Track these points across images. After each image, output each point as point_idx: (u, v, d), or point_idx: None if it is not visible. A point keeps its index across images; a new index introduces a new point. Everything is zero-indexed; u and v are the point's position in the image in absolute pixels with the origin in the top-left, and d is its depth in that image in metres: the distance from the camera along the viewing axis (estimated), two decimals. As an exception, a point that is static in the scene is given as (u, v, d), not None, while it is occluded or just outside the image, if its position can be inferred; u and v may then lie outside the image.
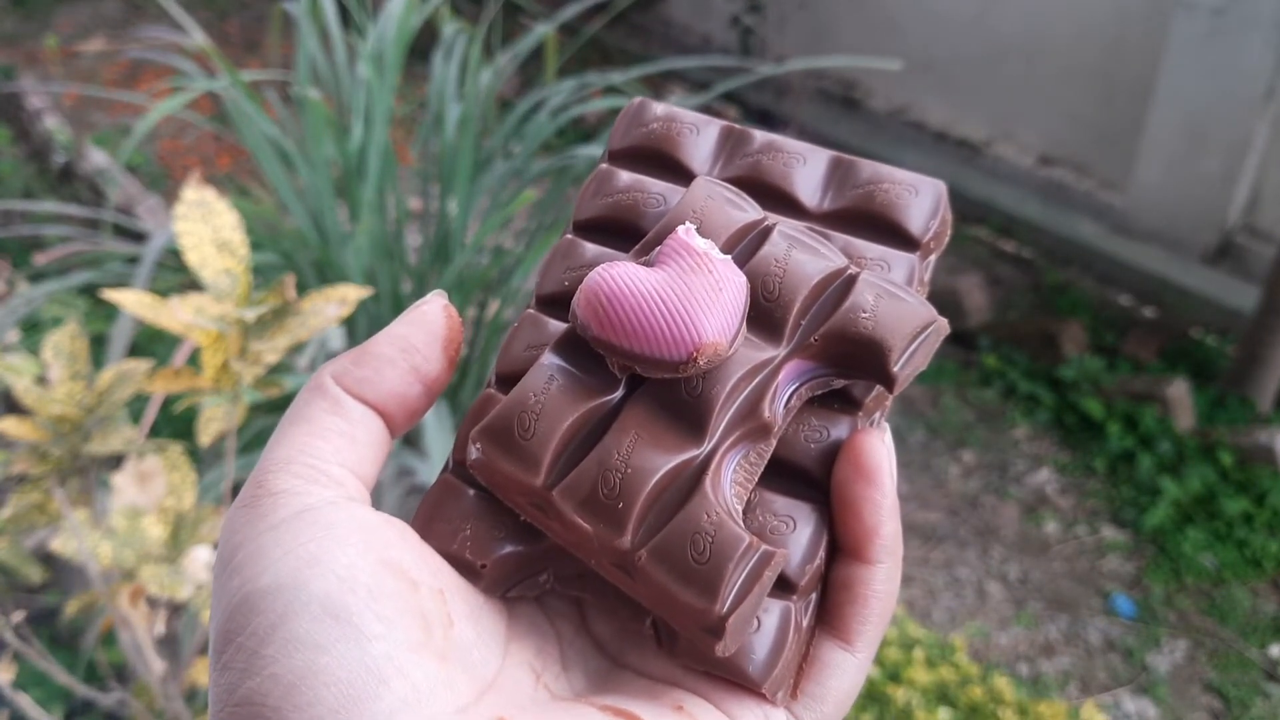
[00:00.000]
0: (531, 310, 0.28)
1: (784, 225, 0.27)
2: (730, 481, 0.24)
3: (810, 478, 0.26)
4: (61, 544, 0.77)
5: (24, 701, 0.83)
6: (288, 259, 1.38)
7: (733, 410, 0.24)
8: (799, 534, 0.25)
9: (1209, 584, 1.73)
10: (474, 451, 0.25)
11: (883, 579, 0.25)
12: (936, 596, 1.70)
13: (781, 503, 0.25)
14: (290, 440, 0.24)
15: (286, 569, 0.21)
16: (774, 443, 0.25)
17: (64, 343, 0.78)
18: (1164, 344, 2.14)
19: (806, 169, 0.29)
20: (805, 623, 0.25)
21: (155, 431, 0.98)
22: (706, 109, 2.34)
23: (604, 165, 0.30)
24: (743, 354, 0.25)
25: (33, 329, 1.71)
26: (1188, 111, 2.17)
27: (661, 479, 0.23)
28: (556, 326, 0.27)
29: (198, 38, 1.45)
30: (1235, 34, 2.06)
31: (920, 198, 0.28)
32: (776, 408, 0.25)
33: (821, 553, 0.25)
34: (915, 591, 1.71)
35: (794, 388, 0.25)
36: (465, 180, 1.42)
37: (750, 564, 0.22)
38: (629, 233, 0.28)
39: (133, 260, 1.34)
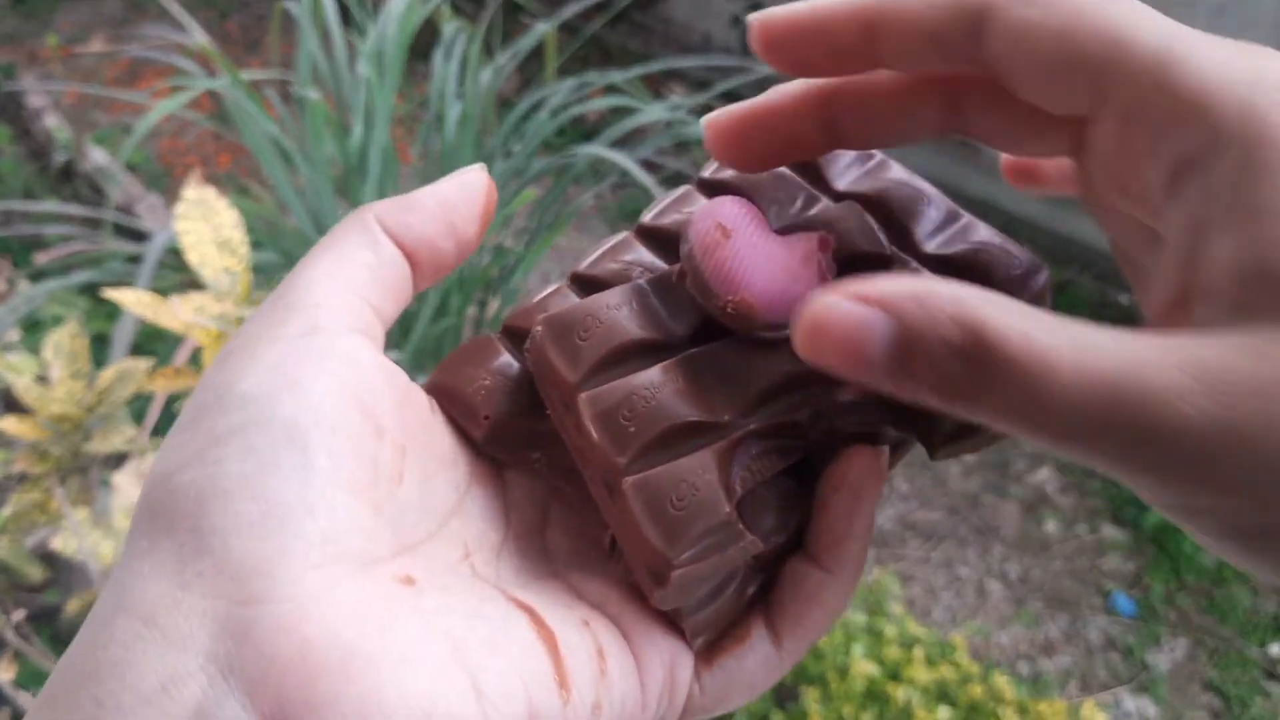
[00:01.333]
0: (631, 235, 0.29)
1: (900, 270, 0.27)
2: (740, 465, 0.24)
3: (808, 464, 0.26)
4: (62, 543, 0.77)
5: (25, 700, 0.83)
6: (288, 258, 1.38)
7: (779, 403, 0.24)
8: (775, 506, 0.25)
9: (1209, 583, 1.73)
10: (535, 333, 0.25)
11: (832, 591, 0.26)
12: (937, 595, 1.70)
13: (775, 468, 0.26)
14: (321, 262, 0.25)
15: (268, 382, 0.22)
16: (799, 455, 0.25)
17: (65, 342, 0.78)
18: (1164, 343, 2.14)
19: (930, 210, 0.28)
20: (748, 591, 0.25)
21: (156, 431, 0.99)
22: (707, 108, 2.34)
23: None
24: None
25: (33, 328, 1.71)
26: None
27: (679, 426, 0.24)
28: (649, 257, 0.28)
29: (198, 37, 1.45)
30: (1236, 34, 2.05)
31: (1022, 273, 0.28)
32: (820, 425, 0.25)
33: (787, 535, 0.25)
34: (915, 590, 1.71)
35: (846, 415, 0.25)
36: (466, 179, 1.42)
37: (721, 534, 0.23)
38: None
39: (133, 259, 1.34)
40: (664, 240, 0.28)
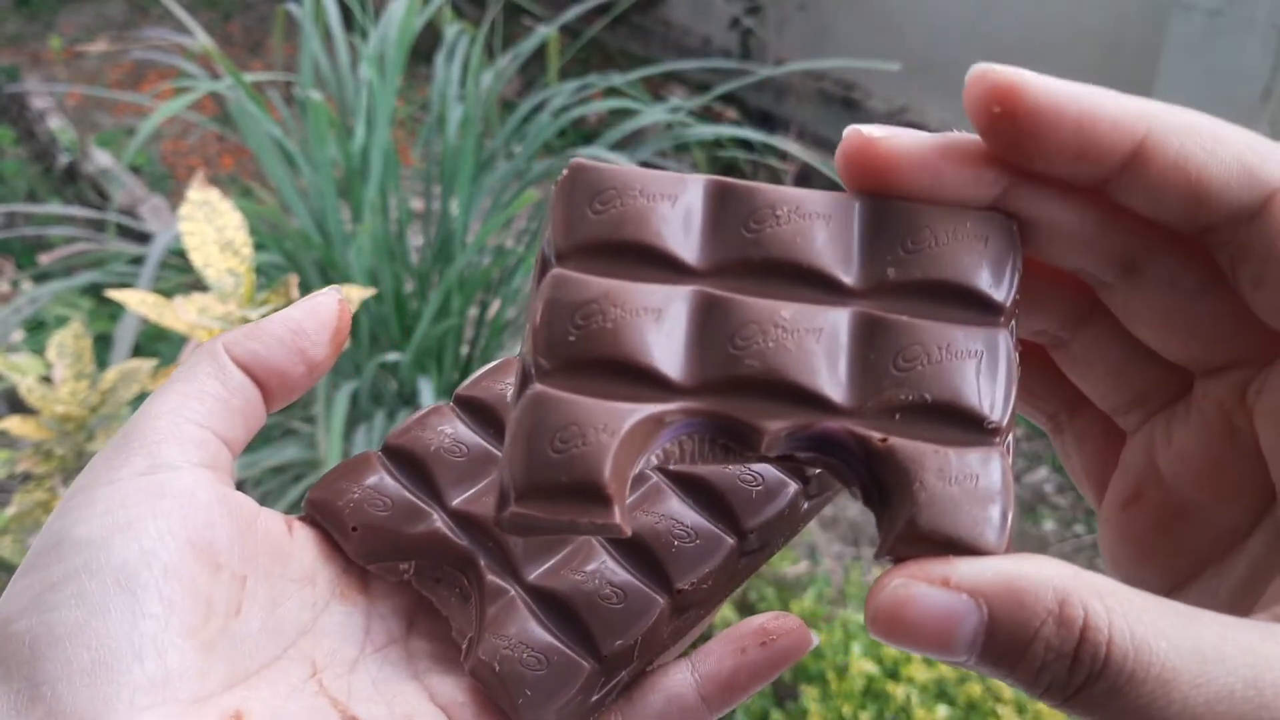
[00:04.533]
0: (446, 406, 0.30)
1: None
2: (669, 438, 0.21)
3: (714, 535, 0.26)
4: (67, 541, 0.78)
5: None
6: (291, 259, 1.39)
7: (755, 400, 0.21)
8: (640, 597, 0.25)
9: (1208, 583, 1.73)
10: (568, 167, 0.23)
11: None
12: (936, 595, 1.71)
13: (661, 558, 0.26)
14: (168, 396, 0.25)
15: (101, 527, 0.22)
16: (743, 460, 0.22)
17: (68, 342, 0.78)
18: (1163, 344, 2.14)
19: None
20: (596, 696, 0.25)
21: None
22: (707, 110, 2.35)
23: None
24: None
25: (37, 329, 1.71)
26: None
27: (621, 362, 0.21)
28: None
29: (201, 39, 1.46)
30: (1233, 35, 2.06)
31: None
32: (785, 446, 0.21)
33: (642, 634, 0.25)
34: (915, 590, 1.71)
35: (823, 454, 0.21)
36: (467, 181, 1.42)
37: (581, 500, 0.20)
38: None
39: (137, 260, 1.35)
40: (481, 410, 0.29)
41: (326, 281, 1.39)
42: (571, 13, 1.63)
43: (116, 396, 0.80)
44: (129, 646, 0.21)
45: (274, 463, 1.30)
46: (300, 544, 0.27)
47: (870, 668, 1.20)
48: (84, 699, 0.20)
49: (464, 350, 1.52)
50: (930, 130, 0.22)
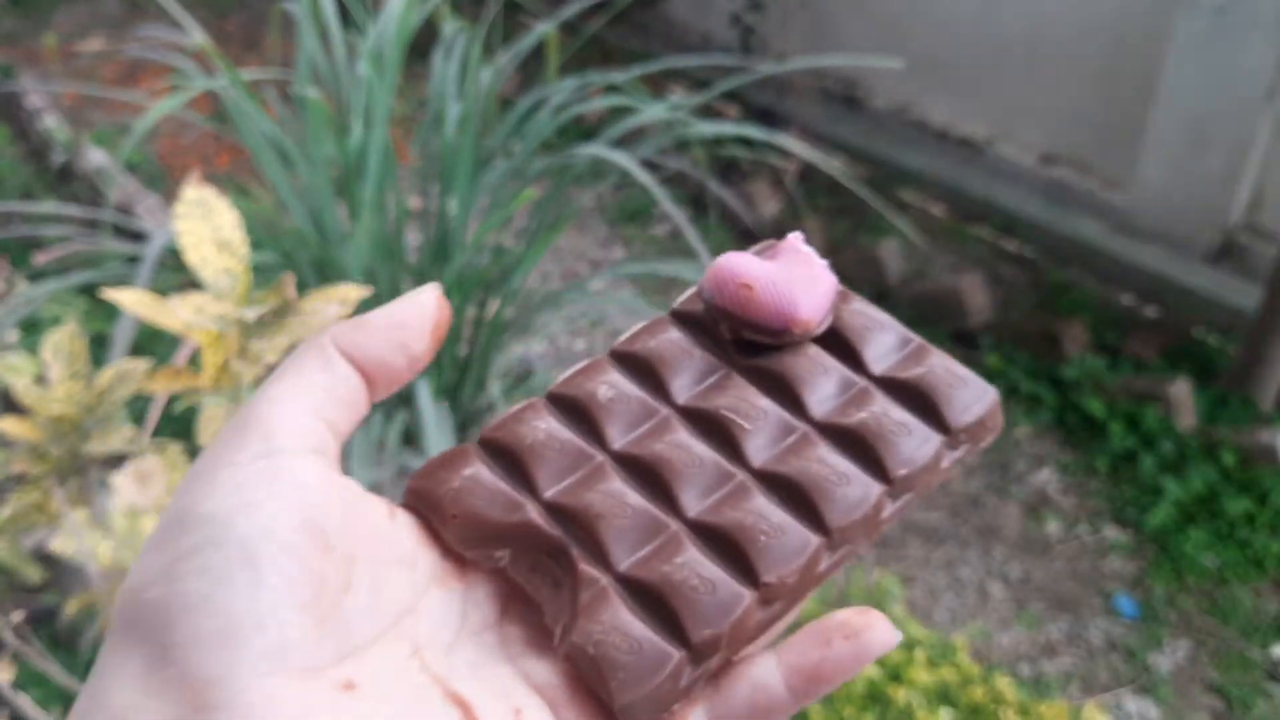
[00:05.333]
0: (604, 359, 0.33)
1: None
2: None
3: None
4: (61, 544, 0.77)
5: (24, 701, 0.83)
6: (288, 258, 1.38)
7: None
8: (728, 589, 0.27)
9: (1211, 584, 1.73)
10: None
11: (785, 712, 0.27)
12: (938, 597, 1.70)
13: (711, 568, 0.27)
14: (280, 385, 0.27)
15: (226, 504, 0.24)
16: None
17: (63, 342, 0.77)
18: (1166, 343, 2.14)
19: (883, 337, 0.31)
20: (685, 682, 0.26)
21: (155, 431, 0.98)
22: (707, 108, 2.34)
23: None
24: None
25: (32, 328, 1.70)
26: (1190, 111, 2.16)
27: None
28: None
29: (197, 36, 1.45)
30: (1237, 33, 2.05)
31: (965, 390, 0.30)
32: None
33: (731, 625, 0.26)
34: (916, 592, 1.70)
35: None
36: (465, 179, 1.41)
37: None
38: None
39: (132, 260, 1.34)
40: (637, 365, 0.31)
41: (323, 281, 1.38)
42: (571, 9, 1.62)
43: (112, 397, 0.78)
44: (251, 617, 0.23)
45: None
46: (401, 529, 0.28)
47: (872, 671, 1.19)
48: (211, 662, 0.22)
49: (462, 350, 1.51)
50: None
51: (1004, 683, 1.20)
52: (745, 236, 2.48)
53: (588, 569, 0.27)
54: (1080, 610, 1.69)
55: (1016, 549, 1.79)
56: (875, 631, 0.26)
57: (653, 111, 1.50)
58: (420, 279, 1.47)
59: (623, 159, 1.37)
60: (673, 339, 0.31)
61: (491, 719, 0.25)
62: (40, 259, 1.65)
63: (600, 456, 0.29)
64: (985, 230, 2.49)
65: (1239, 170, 2.14)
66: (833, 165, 1.49)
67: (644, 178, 1.35)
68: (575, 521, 0.28)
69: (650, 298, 2.25)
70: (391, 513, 0.28)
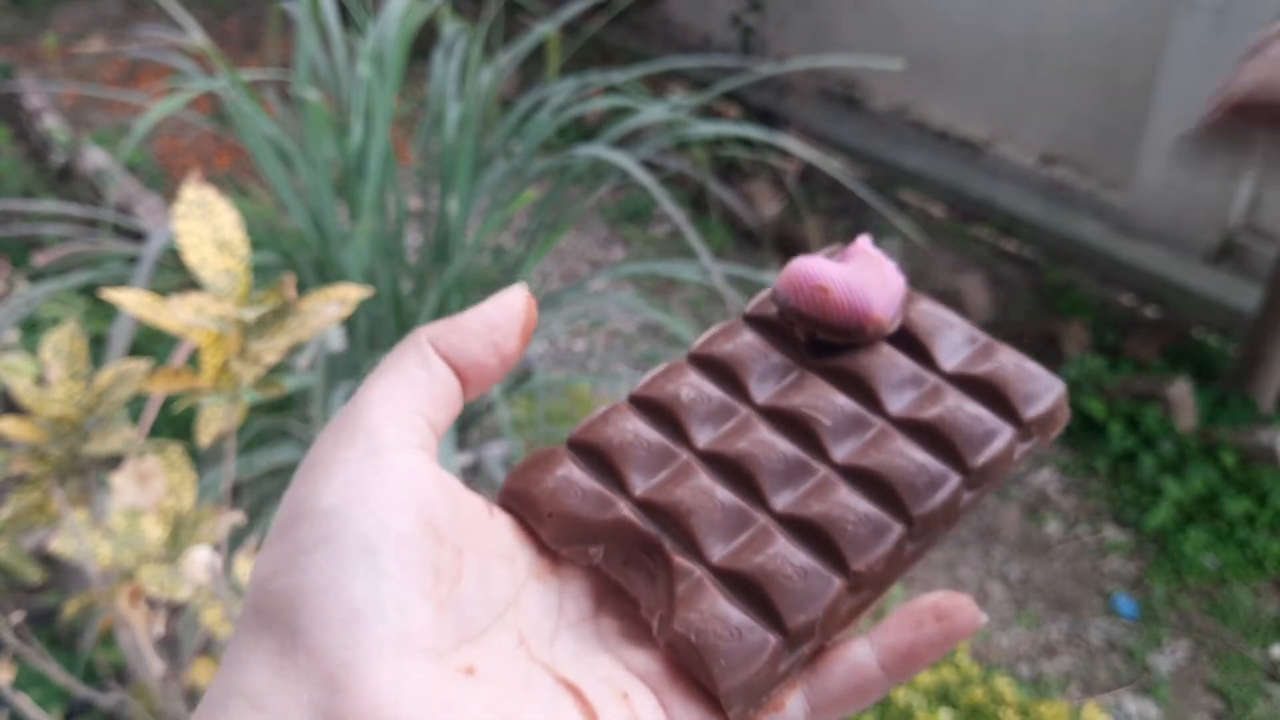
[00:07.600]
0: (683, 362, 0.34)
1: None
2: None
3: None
4: (61, 544, 0.77)
5: (23, 702, 0.83)
6: (287, 259, 1.38)
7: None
8: (819, 577, 0.28)
9: (1211, 584, 1.73)
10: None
11: (881, 690, 0.28)
12: (938, 597, 1.70)
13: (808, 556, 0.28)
14: (383, 384, 0.28)
15: (343, 498, 0.25)
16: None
17: (63, 342, 0.77)
18: (1166, 344, 2.14)
19: (951, 334, 0.33)
20: (781, 667, 0.27)
21: (155, 431, 0.98)
22: (707, 108, 2.34)
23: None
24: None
25: (32, 329, 1.70)
26: (1190, 111, 2.16)
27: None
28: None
29: (197, 37, 1.45)
30: (1237, 33, 2.05)
31: (1035, 383, 0.31)
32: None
33: (824, 610, 0.27)
34: (916, 591, 1.70)
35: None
36: (465, 179, 1.41)
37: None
38: None
39: (132, 260, 1.33)
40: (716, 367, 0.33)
41: (323, 281, 1.37)
42: (571, 10, 1.62)
43: (112, 397, 0.78)
44: (374, 604, 0.24)
45: (270, 465, 1.29)
46: (500, 525, 0.29)
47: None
48: (340, 645, 0.23)
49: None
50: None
51: (1004, 683, 1.20)
52: (745, 237, 2.48)
53: (682, 561, 0.28)
54: (1080, 610, 1.69)
55: (1016, 549, 1.79)
56: (964, 614, 0.27)
57: (652, 112, 1.50)
58: (420, 279, 1.47)
59: (623, 159, 1.37)
60: (748, 341, 0.32)
61: (601, 702, 0.26)
62: (40, 259, 1.65)
63: (686, 455, 0.30)
64: (985, 230, 2.49)
65: (1239, 171, 2.14)
66: (833, 165, 1.49)
67: (644, 178, 1.35)
68: (667, 517, 0.29)
69: (650, 298, 2.25)
70: (490, 510, 0.29)
